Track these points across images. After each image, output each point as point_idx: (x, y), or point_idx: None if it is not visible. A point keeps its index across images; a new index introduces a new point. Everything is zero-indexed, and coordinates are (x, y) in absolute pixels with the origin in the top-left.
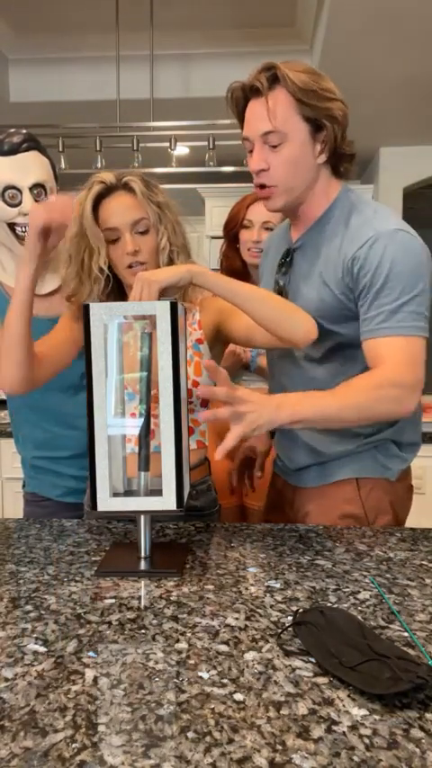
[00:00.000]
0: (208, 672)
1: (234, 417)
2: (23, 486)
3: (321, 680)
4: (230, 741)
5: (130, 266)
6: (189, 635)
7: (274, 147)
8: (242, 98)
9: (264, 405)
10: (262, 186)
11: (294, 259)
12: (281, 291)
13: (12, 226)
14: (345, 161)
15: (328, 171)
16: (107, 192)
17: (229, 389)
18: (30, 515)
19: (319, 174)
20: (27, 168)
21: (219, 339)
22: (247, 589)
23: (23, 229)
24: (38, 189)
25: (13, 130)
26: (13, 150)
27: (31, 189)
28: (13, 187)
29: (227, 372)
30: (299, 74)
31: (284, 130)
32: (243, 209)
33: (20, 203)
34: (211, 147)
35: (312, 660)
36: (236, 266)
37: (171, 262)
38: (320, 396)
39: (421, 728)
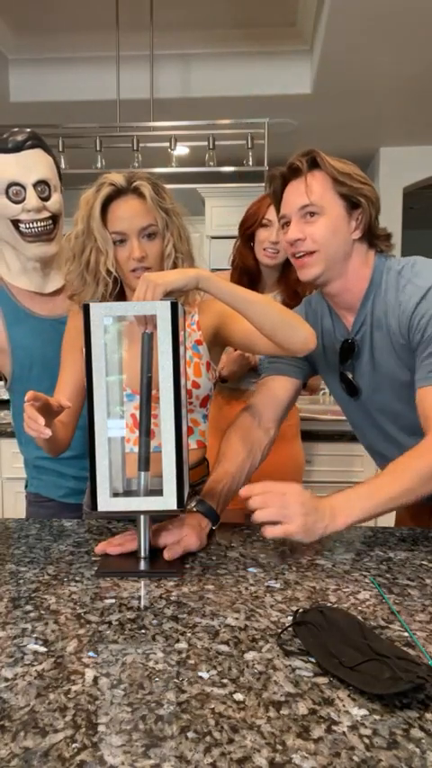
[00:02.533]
0: (208, 672)
1: (282, 516)
2: (26, 486)
3: (321, 680)
4: (230, 741)
5: (133, 270)
6: (189, 635)
7: (311, 219)
8: (280, 183)
9: (319, 511)
10: (298, 255)
11: (359, 347)
12: (350, 383)
13: (16, 222)
14: (380, 240)
15: (363, 248)
16: (116, 194)
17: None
18: (32, 516)
19: (353, 249)
20: (31, 165)
21: (217, 342)
22: (247, 589)
23: (27, 226)
24: (41, 186)
25: (16, 129)
26: (18, 147)
27: (34, 186)
28: (17, 184)
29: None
30: (334, 161)
31: (321, 204)
32: (263, 207)
33: (23, 200)
34: (211, 147)
35: (312, 660)
36: (249, 264)
37: (175, 267)
38: (369, 492)
39: (421, 728)
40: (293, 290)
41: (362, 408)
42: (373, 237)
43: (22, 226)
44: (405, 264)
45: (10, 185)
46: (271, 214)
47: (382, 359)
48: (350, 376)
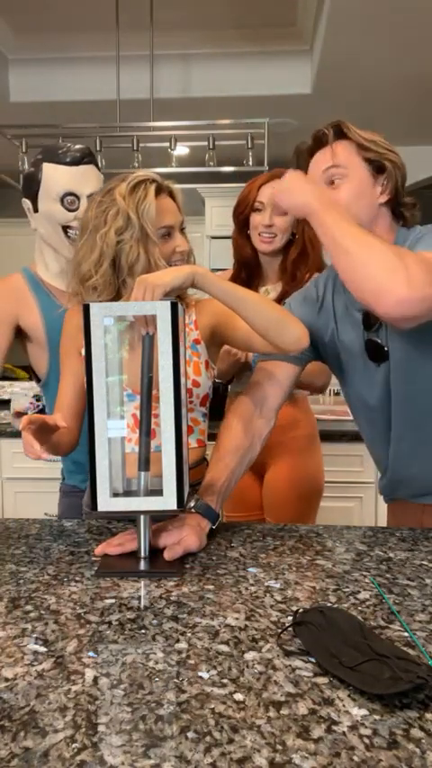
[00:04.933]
0: (208, 672)
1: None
2: (63, 480)
3: (321, 680)
4: (230, 741)
5: (169, 263)
6: (189, 635)
7: (335, 185)
8: (306, 157)
9: (308, 184)
10: None
11: None
12: (380, 348)
13: (65, 228)
14: (405, 208)
15: (388, 215)
16: (158, 191)
17: None
18: (67, 506)
19: (379, 214)
20: (87, 179)
21: (214, 341)
22: (247, 589)
23: (76, 233)
24: None
25: (70, 144)
26: (76, 162)
27: (88, 197)
28: (73, 194)
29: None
30: (360, 129)
31: (345, 165)
32: (254, 190)
33: (77, 209)
34: (211, 147)
35: (312, 660)
36: (246, 254)
37: (188, 263)
38: (336, 212)
39: (421, 728)
40: (292, 274)
41: (386, 380)
42: (399, 205)
43: (71, 232)
44: (425, 231)
45: (66, 194)
46: (263, 196)
47: (415, 332)
48: (378, 340)
